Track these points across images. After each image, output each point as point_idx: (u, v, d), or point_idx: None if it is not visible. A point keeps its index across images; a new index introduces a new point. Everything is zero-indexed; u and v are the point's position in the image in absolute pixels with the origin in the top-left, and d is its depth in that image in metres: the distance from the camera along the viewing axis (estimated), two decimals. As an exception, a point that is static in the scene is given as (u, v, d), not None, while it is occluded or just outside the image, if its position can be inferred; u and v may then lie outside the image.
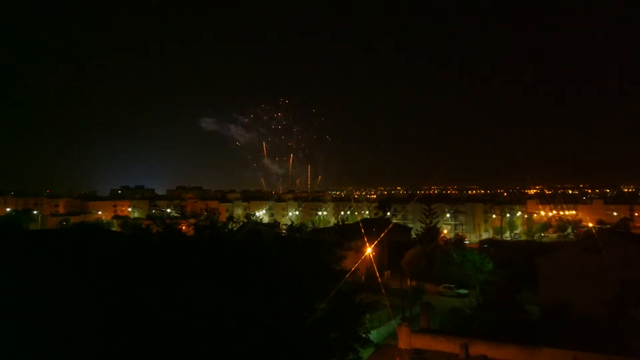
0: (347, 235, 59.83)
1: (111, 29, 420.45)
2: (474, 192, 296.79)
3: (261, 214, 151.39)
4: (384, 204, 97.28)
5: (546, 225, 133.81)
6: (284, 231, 25.07)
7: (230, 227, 22.55)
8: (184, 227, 22.76)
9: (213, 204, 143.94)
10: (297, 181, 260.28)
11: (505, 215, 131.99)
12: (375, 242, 52.42)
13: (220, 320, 16.71)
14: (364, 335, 20.43)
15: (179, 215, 21.58)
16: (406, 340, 24.71)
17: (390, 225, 65.34)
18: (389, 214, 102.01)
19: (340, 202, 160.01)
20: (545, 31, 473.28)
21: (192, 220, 21.41)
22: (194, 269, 18.45)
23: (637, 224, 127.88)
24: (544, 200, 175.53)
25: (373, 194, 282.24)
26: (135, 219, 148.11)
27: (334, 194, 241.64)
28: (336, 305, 19.49)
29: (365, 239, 52.14)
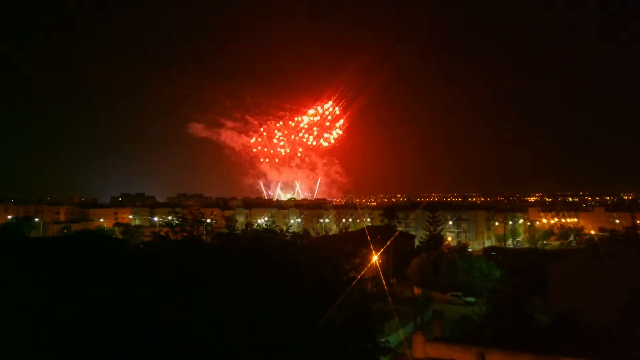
0: (352, 242, 59.72)
1: (110, 34, 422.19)
2: (474, 199, 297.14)
3: (263, 221, 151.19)
4: (389, 211, 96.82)
5: (548, 233, 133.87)
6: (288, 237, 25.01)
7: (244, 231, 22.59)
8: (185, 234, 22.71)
9: (215, 211, 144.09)
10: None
11: (507, 223, 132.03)
12: (382, 250, 52.32)
13: (239, 330, 16.66)
14: (383, 345, 20.38)
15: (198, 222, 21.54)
16: (421, 349, 24.64)
17: (397, 233, 65.23)
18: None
19: (341, 210, 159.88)
20: (544, 36, 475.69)
21: (209, 227, 21.43)
22: (211, 277, 18.41)
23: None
24: (545, 207, 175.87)
25: (373, 202, 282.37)
26: (137, 225, 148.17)
27: (334, 201, 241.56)
28: (356, 313, 19.47)
29: (372, 247, 51.96)
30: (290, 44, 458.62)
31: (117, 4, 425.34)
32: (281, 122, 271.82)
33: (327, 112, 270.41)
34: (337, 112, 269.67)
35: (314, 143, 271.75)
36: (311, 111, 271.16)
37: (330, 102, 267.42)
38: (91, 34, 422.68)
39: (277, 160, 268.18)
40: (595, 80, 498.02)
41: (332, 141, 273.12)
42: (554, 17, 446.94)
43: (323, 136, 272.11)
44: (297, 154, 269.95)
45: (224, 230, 21.33)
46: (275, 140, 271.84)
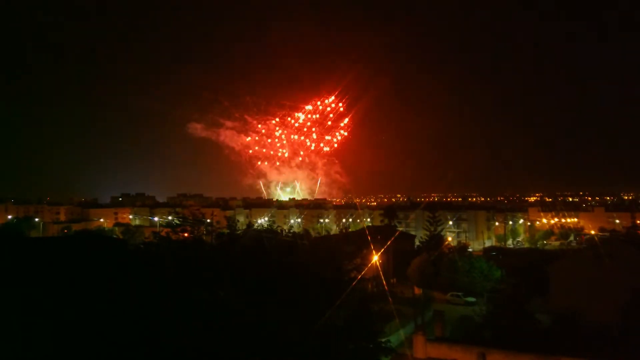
0: (353, 242, 59.73)
1: (110, 34, 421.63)
2: (474, 199, 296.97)
3: (263, 221, 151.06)
4: (389, 211, 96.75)
5: (548, 233, 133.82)
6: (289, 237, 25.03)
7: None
8: (186, 234, 22.73)
9: (216, 211, 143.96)
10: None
11: (507, 223, 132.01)
12: (382, 250, 52.29)
13: (240, 330, 16.64)
14: (384, 345, 20.36)
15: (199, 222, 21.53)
16: (422, 350, 24.65)
17: (397, 233, 65.20)
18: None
19: (341, 210, 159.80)
20: (544, 36, 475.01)
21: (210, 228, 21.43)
22: (211, 277, 18.39)
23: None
24: (545, 207, 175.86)
25: (373, 202, 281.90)
26: (137, 225, 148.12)
27: (334, 200, 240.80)
28: (357, 313, 19.46)
29: (372, 247, 51.93)
30: (290, 42, 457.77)
31: (117, 3, 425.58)
32: (277, 119, 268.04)
33: (328, 109, 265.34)
34: (341, 109, 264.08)
35: (313, 146, 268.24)
36: (309, 107, 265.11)
37: (332, 98, 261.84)
38: (91, 34, 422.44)
39: (277, 164, 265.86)
40: (595, 80, 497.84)
41: (336, 145, 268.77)
42: (554, 16, 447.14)
43: (324, 138, 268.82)
44: (298, 157, 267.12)
45: (225, 231, 21.34)
46: (276, 140, 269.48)
